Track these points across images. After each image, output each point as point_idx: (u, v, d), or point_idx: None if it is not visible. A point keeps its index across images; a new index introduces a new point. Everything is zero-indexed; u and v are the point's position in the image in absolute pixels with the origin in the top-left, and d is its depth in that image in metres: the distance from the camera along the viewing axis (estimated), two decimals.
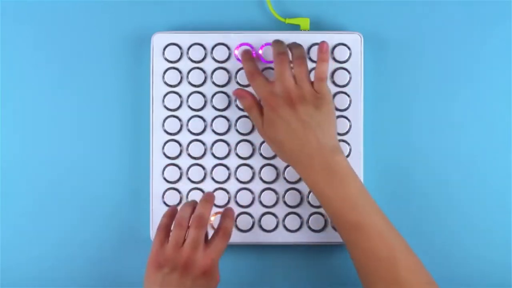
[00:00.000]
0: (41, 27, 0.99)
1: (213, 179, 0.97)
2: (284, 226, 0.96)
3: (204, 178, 0.96)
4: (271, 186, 0.97)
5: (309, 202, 0.96)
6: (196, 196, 0.96)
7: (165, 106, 0.97)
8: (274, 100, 0.89)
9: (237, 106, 0.97)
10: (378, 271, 0.84)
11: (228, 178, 0.97)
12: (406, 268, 0.84)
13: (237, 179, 0.97)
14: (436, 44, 0.99)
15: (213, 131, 0.97)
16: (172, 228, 0.87)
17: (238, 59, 0.96)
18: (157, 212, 0.95)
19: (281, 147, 0.89)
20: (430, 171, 0.98)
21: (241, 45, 0.96)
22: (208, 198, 0.88)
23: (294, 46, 0.93)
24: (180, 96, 0.97)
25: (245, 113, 0.97)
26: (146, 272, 0.86)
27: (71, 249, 0.98)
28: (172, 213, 0.89)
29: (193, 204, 0.88)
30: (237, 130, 0.97)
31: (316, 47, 0.96)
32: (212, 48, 0.97)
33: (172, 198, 0.96)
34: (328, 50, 0.92)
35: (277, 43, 0.93)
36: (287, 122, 0.88)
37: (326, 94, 0.90)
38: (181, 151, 0.97)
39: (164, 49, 0.97)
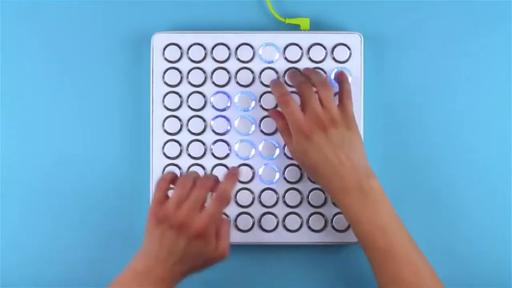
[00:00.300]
0: (41, 27, 0.99)
1: None
2: (284, 226, 0.96)
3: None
4: (271, 186, 0.97)
5: (309, 202, 0.96)
6: None
7: (165, 106, 0.97)
8: (307, 127, 0.88)
9: (237, 106, 0.97)
10: None
11: None
12: None
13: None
14: (436, 44, 0.99)
15: (213, 131, 0.97)
16: (175, 187, 0.87)
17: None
18: None
19: (316, 171, 0.89)
20: (431, 170, 0.98)
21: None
22: (230, 174, 0.88)
23: (313, 72, 0.93)
24: (180, 96, 0.97)
25: (245, 113, 0.97)
26: (147, 225, 0.86)
27: (72, 249, 0.98)
28: (171, 176, 0.89)
29: (197, 175, 0.88)
30: (237, 130, 0.97)
31: (316, 46, 0.96)
32: (212, 48, 0.97)
33: None
34: (346, 74, 0.93)
35: (294, 75, 0.93)
36: (321, 147, 0.88)
37: (352, 112, 0.90)
38: (181, 151, 0.97)
39: (164, 49, 0.97)
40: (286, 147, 0.96)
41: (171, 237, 0.85)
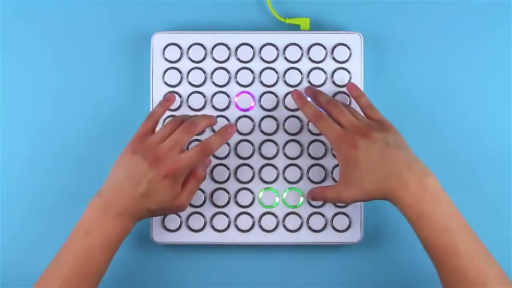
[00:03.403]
0: (41, 27, 0.99)
1: (213, 179, 0.97)
2: (284, 226, 0.96)
3: (204, 177, 0.96)
4: (271, 186, 0.97)
5: (309, 202, 0.96)
6: (196, 196, 0.96)
7: None
8: (349, 136, 0.87)
9: (237, 106, 0.97)
10: None
11: (228, 178, 0.97)
12: None
13: (237, 179, 0.97)
14: (436, 44, 0.99)
15: (213, 131, 0.97)
16: (162, 126, 0.89)
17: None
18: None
19: (370, 185, 0.86)
20: (431, 170, 0.98)
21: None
22: (224, 130, 0.90)
23: (318, 92, 0.94)
24: (180, 96, 0.97)
25: (245, 113, 0.97)
26: (120, 154, 0.88)
27: None
28: (167, 104, 0.93)
29: (187, 118, 0.90)
30: (237, 130, 0.97)
31: (316, 46, 0.96)
32: (212, 48, 0.97)
33: None
34: (357, 86, 0.93)
35: (318, 95, 0.92)
36: (369, 152, 0.86)
37: (383, 117, 0.90)
38: None
39: (164, 49, 0.97)
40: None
41: (141, 167, 0.85)
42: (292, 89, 0.96)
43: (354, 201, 0.88)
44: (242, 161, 0.97)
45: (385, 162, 0.85)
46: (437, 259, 0.84)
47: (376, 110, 0.91)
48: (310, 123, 0.96)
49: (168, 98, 0.94)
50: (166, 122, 0.89)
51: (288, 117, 0.97)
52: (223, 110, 0.97)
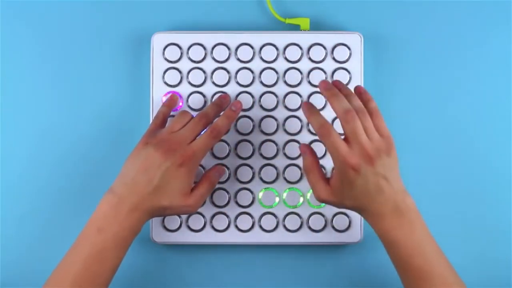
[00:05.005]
0: (41, 27, 0.99)
1: None
2: (284, 226, 0.96)
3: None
4: (271, 186, 0.97)
5: (309, 202, 0.96)
6: None
7: None
8: (354, 160, 0.83)
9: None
10: None
11: (228, 178, 0.97)
12: None
13: (237, 179, 0.97)
14: (436, 44, 0.99)
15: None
16: (172, 120, 0.90)
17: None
18: None
19: (353, 203, 0.86)
20: (431, 170, 0.98)
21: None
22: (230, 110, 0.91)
23: (350, 94, 0.87)
24: (180, 96, 0.97)
25: (245, 114, 0.97)
26: (134, 148, 0.88)
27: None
28: (171, 103, 0.94)
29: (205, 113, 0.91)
30: (237, 130, 0.97)
31: (316, 46, 0.96)
32: (212, 48, 0.97)
33: None
34: (366, 90, 0.89)
35: (338, 99, 0.85)
36: (366, 179, 0.84)
37: (390, 135, 0.87)
38: None
39: (164, 49, 0.97)
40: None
41: (155, 159, 0.86)
42: (292, 89, 0.96)
43: (325, 203, 0.88)
44: (242, 161, 0.97)
45: (374, 190, 0.84)
46: (409, 280, 0.85)
47: (384, 124, 0.87)
48: (310, 123, 0.96)
49: (171, 98, 0.94)
50: (175, 116, 0.89)
51: (288, 117, 0.97)
52: (223, 109, 0.97)
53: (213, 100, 0.94)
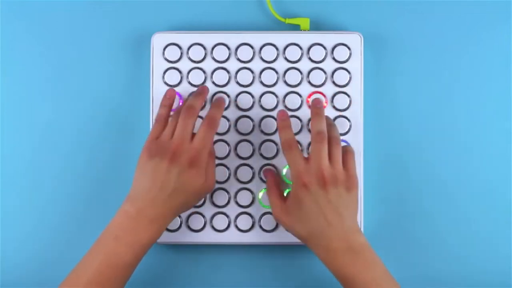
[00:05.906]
0: (41, 27, 0.99)
1: None
2: None
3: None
4: None
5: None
6: None
7: None
8: (307, 177, 0.85)
9: (237, 106, 0.97)
10: None
11: (228, 178, 0.97)
12: None
13: (237, 179, 0.97)
14: (436, 44, 0.99)
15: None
16: (168, 123, 0.90)
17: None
18: None
19: (302, 227, 0.87)
20: (431, 170, 0.98)
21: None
22: (217, 102, 0.91)
23: (331, 124, 0.90)
24: (180, 96, 0.97)
25: (245, 113, 0.97)
26: (138, 163, 0.88)
27: (73, 249, 0.98)
28: (169, 101, 0.92)
29: (197, 98, 0.90)
30: (237, 130, 0.97)
31: (316, 46, 0.96)
32: (212, 48, 0.97)
33: None
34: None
35: (319, 120, 0.88)
36: (316, 201, 0.85)
37: (355, 175, 0.88)
38: None
39: (164, 49, 0.97)
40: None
41: (163, 169, 0.86)
42: (292, 89, 0.96)
43: (279, 221, 0.89)
44: (242, 161, 0.97)
45: (323, 220, 0.85)
46: None
47: (353, 164, 0.88)
48: (310, 123, 0.96)
49: (167, 96, 0.93)
50: (169, 120, 0.89)
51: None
52: (224, 109, 0.97)
53: (196, 91, 0.93)
